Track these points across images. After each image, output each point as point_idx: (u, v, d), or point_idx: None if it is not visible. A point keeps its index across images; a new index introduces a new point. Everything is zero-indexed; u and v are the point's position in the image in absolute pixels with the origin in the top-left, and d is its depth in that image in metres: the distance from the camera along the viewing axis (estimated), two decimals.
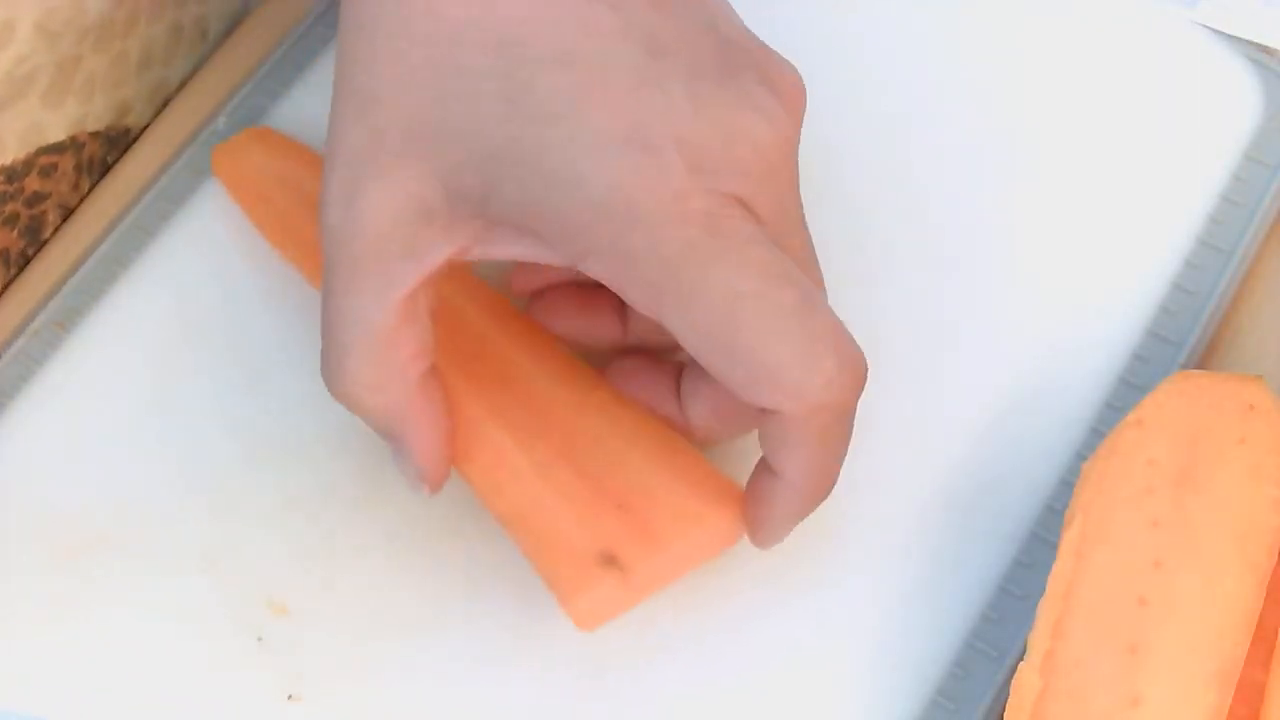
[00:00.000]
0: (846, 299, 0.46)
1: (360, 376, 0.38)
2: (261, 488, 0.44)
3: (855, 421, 0.38)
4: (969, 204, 0.47)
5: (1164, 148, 0.48)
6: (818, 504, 0.39)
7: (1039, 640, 0.37)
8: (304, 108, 0.50)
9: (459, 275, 0.43)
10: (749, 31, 0.38)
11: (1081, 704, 0.36)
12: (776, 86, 0.37)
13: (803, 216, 0.39)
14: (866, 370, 0.38)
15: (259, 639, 0.42)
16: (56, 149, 0.47)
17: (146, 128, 0.51)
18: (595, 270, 0.36)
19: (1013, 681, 0.37)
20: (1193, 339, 0.45)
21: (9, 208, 0.47)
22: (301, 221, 0.45)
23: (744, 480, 0.40)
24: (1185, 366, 0.45)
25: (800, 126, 0.37)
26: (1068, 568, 0.38)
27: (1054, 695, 0.37)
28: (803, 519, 0.40)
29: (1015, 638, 0.41)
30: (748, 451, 0.40)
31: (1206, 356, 0.46)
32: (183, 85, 0.52)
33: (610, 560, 0.39)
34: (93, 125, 0.49)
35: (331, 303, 0.38)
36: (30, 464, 0.45)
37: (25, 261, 0.48)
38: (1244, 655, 0.37)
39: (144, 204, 0.49)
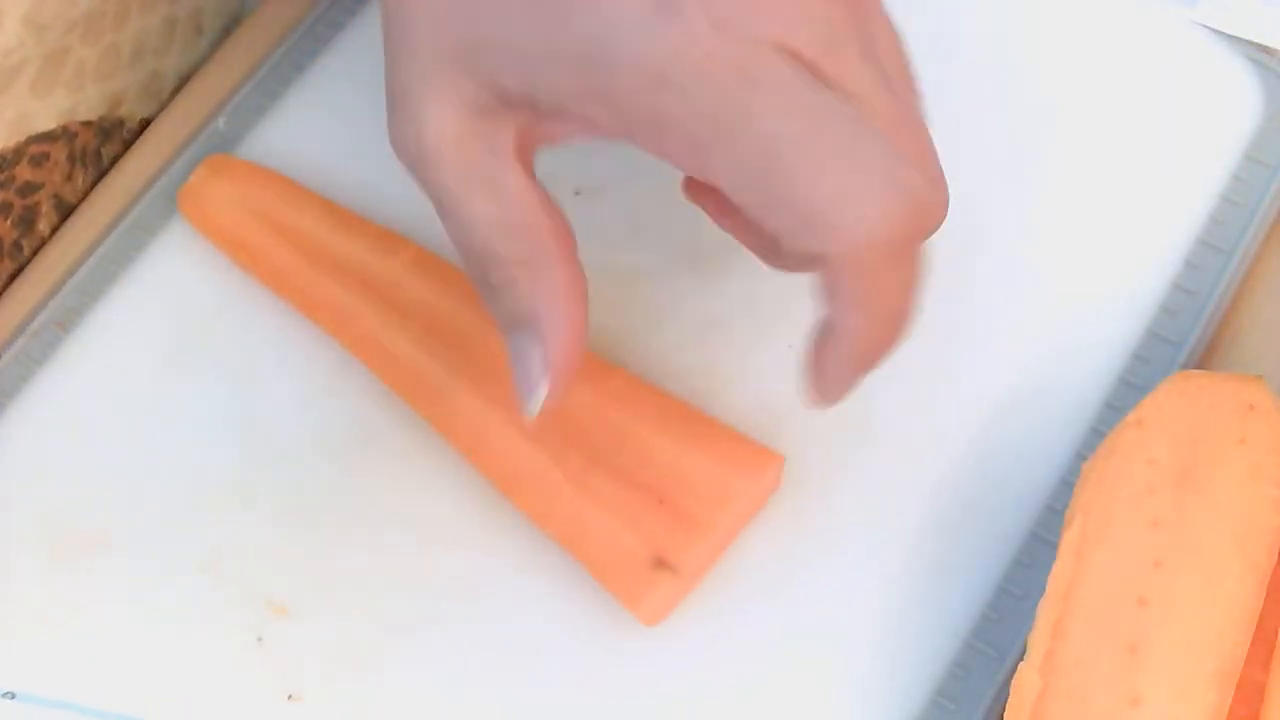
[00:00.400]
0: None
1: (513, 254, 0.37)
2: (261, 488, 0.44)
3: (923, 263, 0.37)
4: (968, 204, 0.47)
5: (1164, 148, 0.48)
6: (878, 355, 0.38)
7: (1039, 640, 0.37)
8: (304, 107, 0.50)
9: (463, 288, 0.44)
10: None
11: (1081, 704, 0.36)
12: None
13: (872, 43, 0.37)
14: (939, 200, 0.36)
15: (259, 639, 0.42)
16: (47, 138, 0.48)
17: (143, 124, 0.51)
18: (643, 142, 0.36)
19: (1013, 681, 0.37)
20: (1193, 339, 0.45)
21: (1, 196, 0.47)
22: (273, 247, 0.46)
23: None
24: (1185, 366, 0.45)
25: None
26: (1068, 568, 0.38)
27: (1054, 695, 0.37)
28: (863, 372, 0.38)
29: (1015, 638, 0.41)
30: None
31: (1206, 356, 0.46)
32: (179, 80, 0.52)
33: (661, 563, 0.41)
34: (84, 115, 0.49)
35: (451, 221, 0.38)
36: (30, 464, 0.45)
37: (19, 251, 0.48)
38: (1244, 655, 0.37)
39: (144, 204, 0.49)
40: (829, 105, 0.35)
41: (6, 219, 0.47)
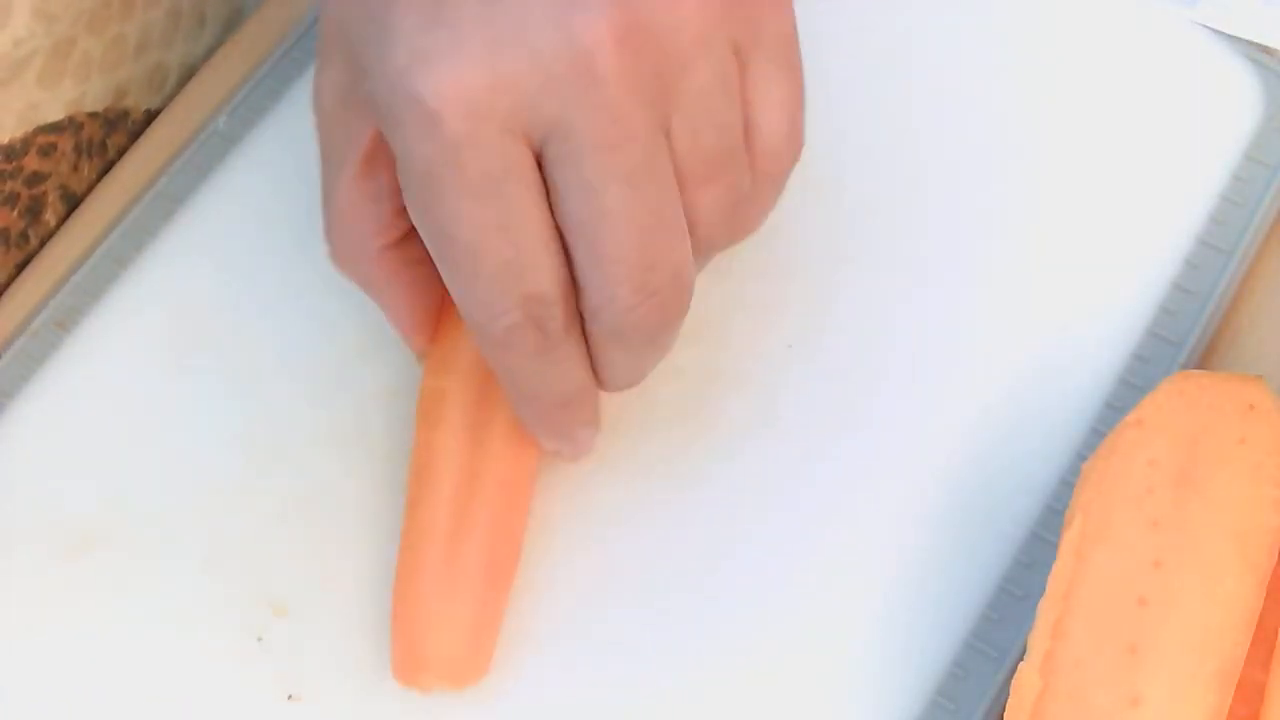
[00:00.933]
0: (847, 298, 0.46)
1: (333, 249, 0.41)
2: (262, 488, 0.44)
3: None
4: (969, 203, 0.47)
5: (1164, 148, 0.48)
6: (544, 418, 0.40)
7: (1039, 640, 0.37)
8: (304, 107, 0.50)
9: None
10: None
11: (1081, 704, 0.36)
12: None
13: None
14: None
15: (259, 639, 0.42)
16: (55, 129, 0.48)
17: (149, 115, 0.51)
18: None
19: (1013, 681, 0.37)
20: (1193, 339, 0.45)
21: (9, 186, 0.47)
22: None
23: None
24: (1185, 366, 0.45)
25: None
26: (1068, 568, 0.38)
27: (1054, 695, 0.37)
28: (550, 430, 0.41)
29: (1015, 638, 0.41)
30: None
31: (1206, 356, 0.46)
32: (183, 72, 0.52)
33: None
34: (90, 106, 0.49)
35: (322, 185, 0.41)
36: (30, 464, 0.45)
37: (25, 241, 0.48)
38: (1244, 655, 0.37)
39: (144, 204, 0.49)
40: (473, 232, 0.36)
41: (14, 209, 0.47)
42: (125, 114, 0.50)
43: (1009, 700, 0.37)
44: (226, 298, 0.47)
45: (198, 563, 0.43)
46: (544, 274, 0.36)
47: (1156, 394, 0.40)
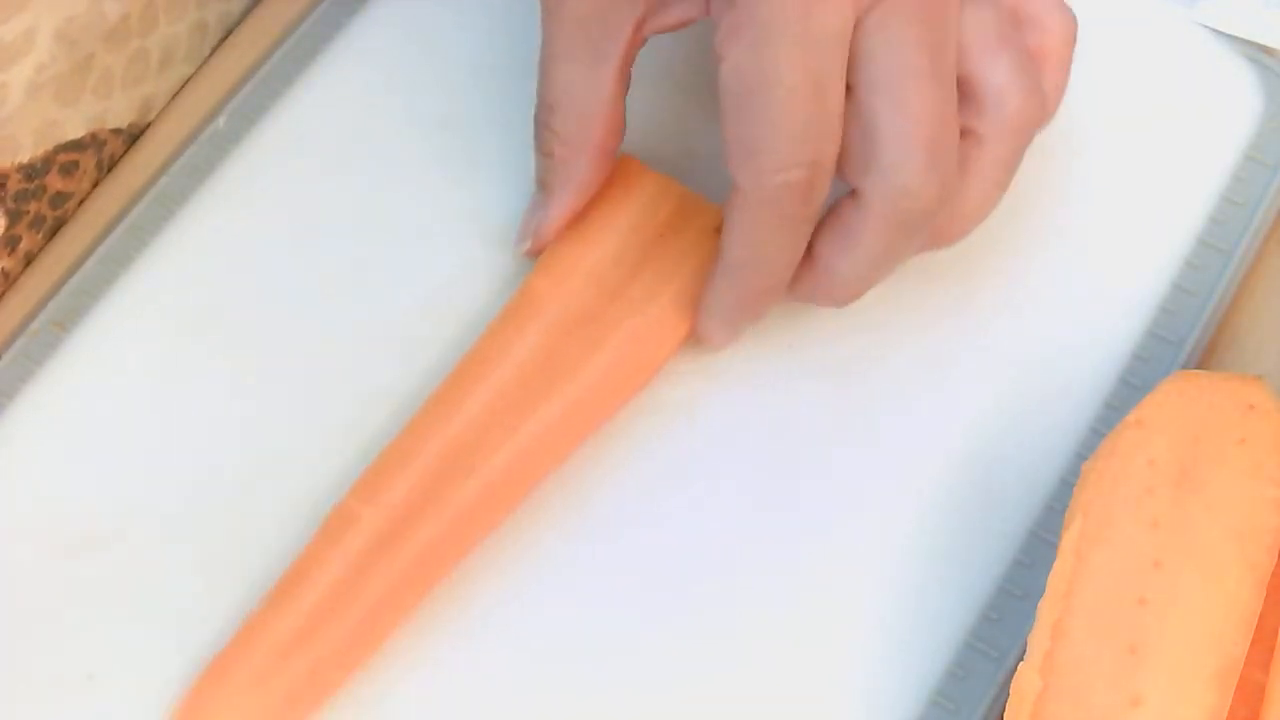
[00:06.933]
0: None
1: (558, 137, 0.43)
2: (261, 488, 0.44)
3: (803, 224, 0.40)
4: None
5: (1164, 147, 0.48)
6: (744, 295, 0.42)
7: (1039, 640, 0.37)
8: (304, 107, 0.50)
9: None
10: None
11: (1081, 704, 0.36)
12: None
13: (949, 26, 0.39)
14: (822, 177, 0.39)
15: None
16: (76, 146, 0.47)
17: (147, 126, 0.51)
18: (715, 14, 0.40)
19: (1013, 681, 0.37)
20: (1193, 339, 0.45)
21: (33, 208, 0.47)
22: None
23: None
24: (1185, 366, 0.45)
25: None
26: (1068, 568, 0.38)
27: (1054, 695, 0.37)
28: (733, 313, 0.43)
29: (1015, 638, 0.41)
30: None
31: (1206, 356, 0.46)
32: (183, 84, 0.52)
33: None
34: (114, 123, 0.48)
35: (550, 68, 0.43)
36: (30, 464, 0.45)
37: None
38: (1244, 655, 0.37)
39: (144, 204, 0.49)
40: (823, 60, 0.38)
41: (38, 232, 0.47)
42: (148, 129, 0.50)
43: (1009, 700, 0.37)
44: (226, 298, 0.47)
45: (198, 563, 0.43)
46: (831, 143, 0.39)
47: (1156, 394, 0.40)
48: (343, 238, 0.47)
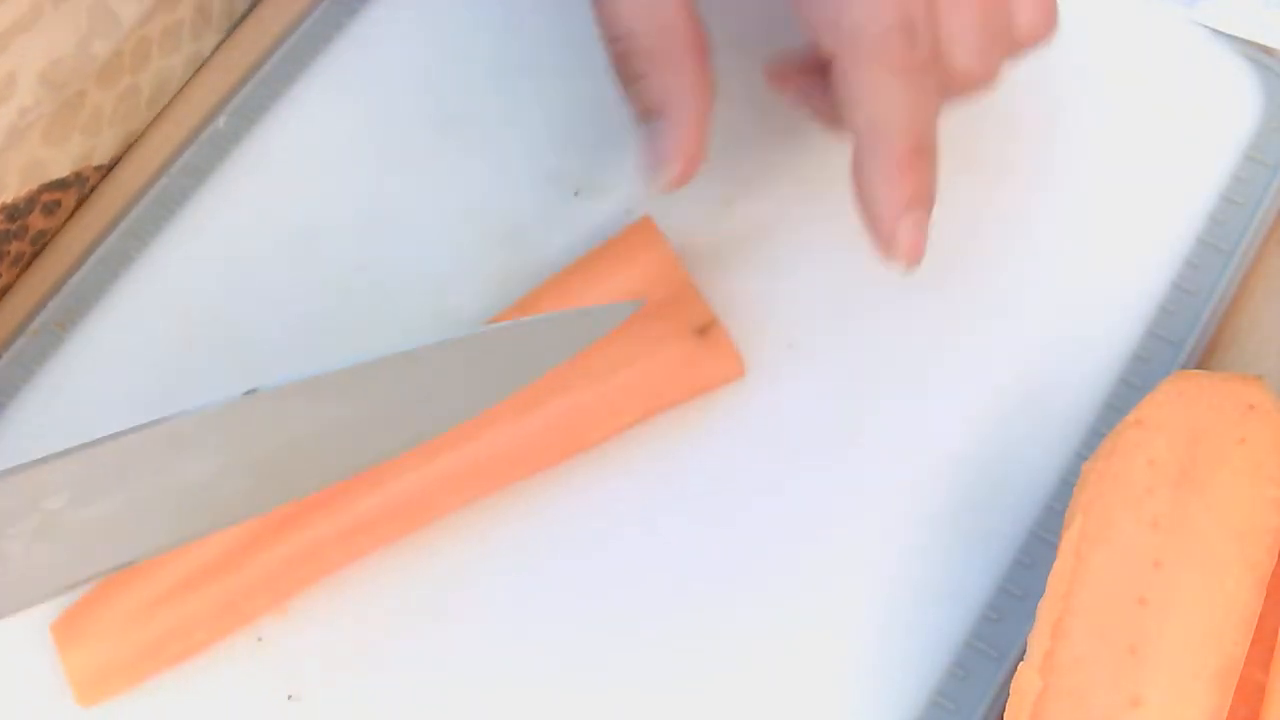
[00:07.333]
0: (847, 299, 0.46)
1: (647, 49, 0.41)
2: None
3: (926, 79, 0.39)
4: (968, 203, 0.47)
5: (1164, 148, 0.48)
6: (895, 173, 0.39)
7: (1039, 640, 0.37)
8: (304, 107, 0.50)
9: None
10: None
11: (1081, 704, 0.36)
12: None
13: None
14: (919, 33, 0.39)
15: (259, 639, 0.42)
16: (60, 185, 0.47)
17: (148, 127, 0.51)
18: None
19: (1013, 681, 0.37)
20: (1193, 339, 0.45)
21: (14, 248, 0.47)
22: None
23: None
24: (1185, 366, 0.45)
25: None
26: (1068, 568, 0.38)
27: (1054, 695, 0.37)
28: (894, 195, 0.40)
29: (1015, 638, 0.41)
30: None
31: (1206, 356, 0.46)
32: (183, 84, 0.52)
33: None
34: (99, 159, 0.48)
35: (606, 5, 0.41)
36: None
37: None
38: (1244, 655, 0.37)
39: (143, 204, 0.49)
40: None
41: (17, 268, 0.47)
42: (149, 130, 0.50)
43: (1009, 700, 0.37)
44: (226, 298, 0.47)
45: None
46: (922, 3, 0.38)
47: (1156, 394, 0.40)
48: (343, 238, 0.47)
